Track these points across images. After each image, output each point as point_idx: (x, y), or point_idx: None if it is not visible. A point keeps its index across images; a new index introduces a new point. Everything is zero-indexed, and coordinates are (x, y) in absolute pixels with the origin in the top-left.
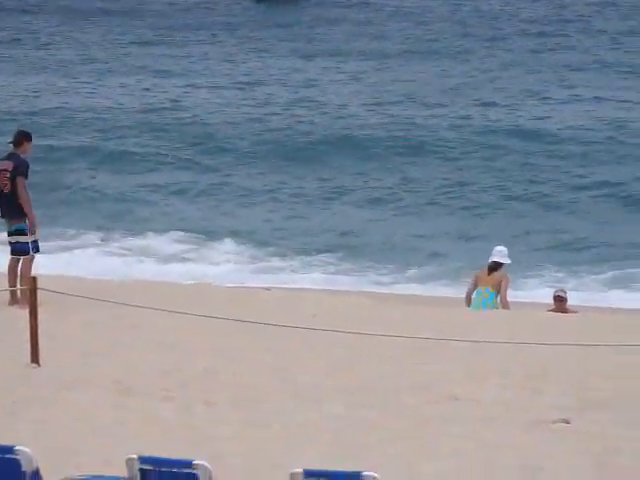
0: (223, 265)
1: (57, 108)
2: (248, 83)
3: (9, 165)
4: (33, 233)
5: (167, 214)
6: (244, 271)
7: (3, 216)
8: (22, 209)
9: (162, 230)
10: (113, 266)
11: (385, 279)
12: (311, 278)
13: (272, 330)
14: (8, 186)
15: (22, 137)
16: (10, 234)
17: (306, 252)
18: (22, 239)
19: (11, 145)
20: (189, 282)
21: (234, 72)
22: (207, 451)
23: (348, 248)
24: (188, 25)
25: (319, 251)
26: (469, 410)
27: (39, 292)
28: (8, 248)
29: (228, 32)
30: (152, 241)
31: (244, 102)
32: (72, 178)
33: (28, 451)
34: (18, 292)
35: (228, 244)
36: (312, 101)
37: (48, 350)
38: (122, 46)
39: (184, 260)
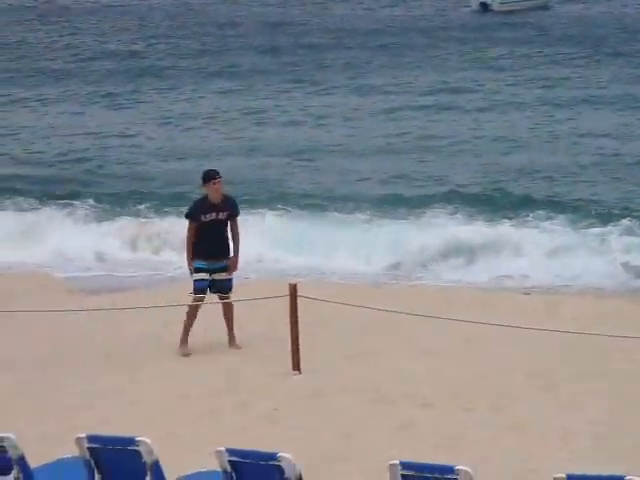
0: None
1: None
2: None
3: (222, 203)
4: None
5: None
6: None
7: (205, 254)
8: (229, 248)
9: None
10: None
11: None
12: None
13: (532, 335)
14: (218, 224)
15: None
16: (214, 272)
17: None
18: (226, 276)
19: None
20: (442, 285)
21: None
22: (466, 456)
23: None
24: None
25: None
26: None
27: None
28: None
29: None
30: None
31: None
32: None
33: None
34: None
35: None
36: None
37: (308, 357)
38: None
39: None
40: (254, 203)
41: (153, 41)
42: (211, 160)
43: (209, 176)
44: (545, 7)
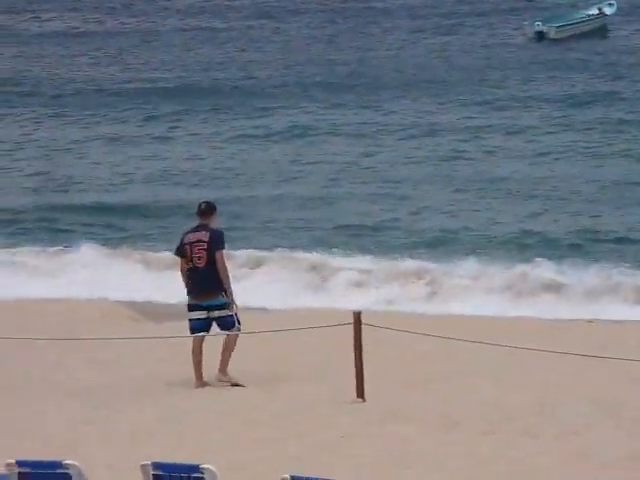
0: None
1: None
2: None
3: (205, 236)
4: (232, 307)
5: None
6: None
7: (194, 291)
8: (219, 283)
9: None
10: None
11: None
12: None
13: (593, 363)
14: (204, 260)
15: (212, 209)
16: (199, 308)
17: None
18: (225, 312)
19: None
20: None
21: None
22: None
23: None
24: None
25: None
26: None
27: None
28: None
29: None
30: None
31: None
32: None
33: None
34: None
35: None
36: None
37: (372, 385)
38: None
39: None
40: None
41: None
42: None
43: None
44: (602, 29)
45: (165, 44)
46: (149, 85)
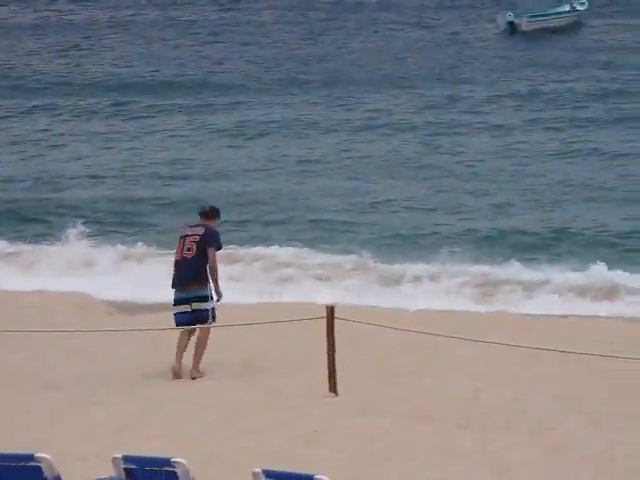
0: None
1: None
2: None
3: (200, 230)
4: (217, 300)
5: None
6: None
7: (178, 283)
8: (204, 275)
9: None
10: None
11: None
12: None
13: (567, 358)
14: (193, 251)
15: (215, 213)
16: (184, 302)
17: None
18: (203, 306)
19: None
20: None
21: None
22: (505, 478)
23: None
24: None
25: None
26: None
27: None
28: None
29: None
30: None
31: None
32: None
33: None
34: (181, 364)
35: None
36: None
37: (345, 379)
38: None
39: None
40: None
41: None
42: None
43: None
44: (575, 25)
45: (135, 35)
46: (112, 78)
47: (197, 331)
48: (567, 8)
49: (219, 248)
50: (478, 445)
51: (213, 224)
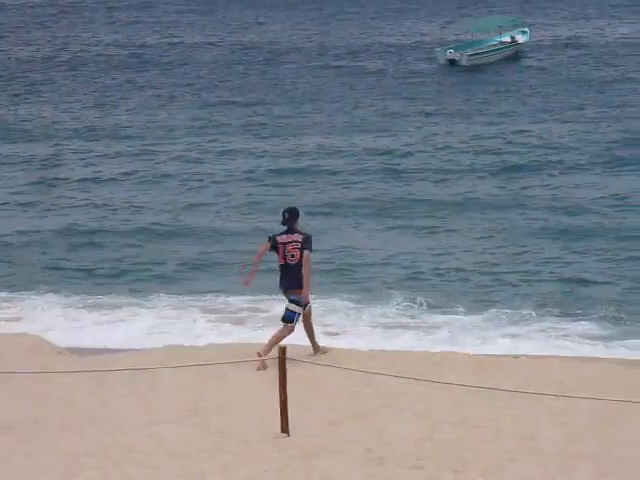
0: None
1: None
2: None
3: (298, 237)
4: (303, 306)
5: None
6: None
7: (284, 286)
8: (301, 281)
9: None
10: None
11: None
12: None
13: (519, 398)
14: (296, 258)
15: (295, 214)
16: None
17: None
18: (295, 309)
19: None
20: (435, 351)
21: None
22: None
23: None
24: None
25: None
26: None
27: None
28: None
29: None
30: None
31: None
32: None
33: None
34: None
35: None
36: None
37: (297, 419)
38: None
39: None
40: None
41: None
42: None
43: None
44: (515, 57)
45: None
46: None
47: (280, 330)
48: (508, 39)
49: (311, 249)
50: None
51: (298, 224)
